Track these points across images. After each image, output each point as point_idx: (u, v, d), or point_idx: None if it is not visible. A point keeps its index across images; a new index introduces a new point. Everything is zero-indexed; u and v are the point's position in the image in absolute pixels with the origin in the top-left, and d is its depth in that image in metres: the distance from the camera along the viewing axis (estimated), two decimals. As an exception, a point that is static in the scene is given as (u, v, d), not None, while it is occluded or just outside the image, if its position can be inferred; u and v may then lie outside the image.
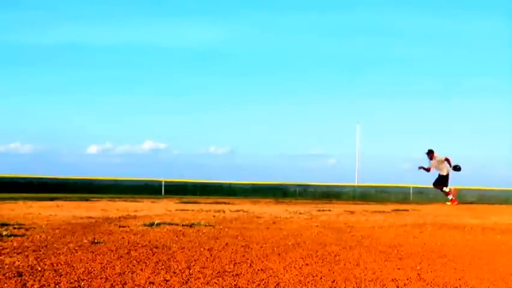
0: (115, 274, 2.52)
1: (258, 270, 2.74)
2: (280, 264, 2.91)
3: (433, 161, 15.05)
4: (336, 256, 3.28)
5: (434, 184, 15.47)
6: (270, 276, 2.60)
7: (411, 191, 24.42)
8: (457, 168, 15.24)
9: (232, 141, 42.19)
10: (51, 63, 37.07)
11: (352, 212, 8.57)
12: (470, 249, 3.85)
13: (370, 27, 36.41)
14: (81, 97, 38.39)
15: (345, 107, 38.10)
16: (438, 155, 15.28)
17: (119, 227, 4.69)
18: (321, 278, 2.58)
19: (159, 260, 2.92)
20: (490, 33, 36.04)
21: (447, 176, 15.12)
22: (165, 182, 23.45)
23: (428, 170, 15.29)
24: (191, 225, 4.93)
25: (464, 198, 23.21)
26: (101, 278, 2.42)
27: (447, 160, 15.11)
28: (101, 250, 3.21)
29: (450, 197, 14.94)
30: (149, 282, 2.38)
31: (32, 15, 34.57)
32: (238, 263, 2.93)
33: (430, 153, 15.26)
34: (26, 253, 3.03)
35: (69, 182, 22.80)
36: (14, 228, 4.29)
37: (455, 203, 14.64)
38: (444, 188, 15.25)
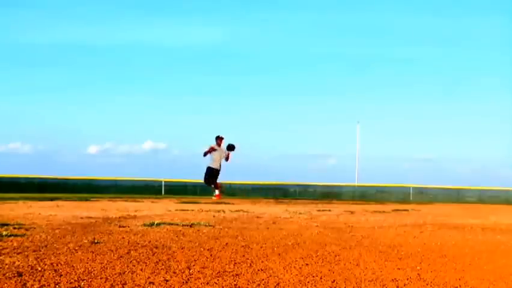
0: (115, 274, 2.52)
1: (258, 270, 2.74)
2: (280, 264, 2.91)
3: (218, 149, 13.73)
4: (336, 256, 3.28)
5: (210, 179, 14.06)
6: (270, 276, 2.60)
7: (411, 191, 24.45)
8: (230, 148, 13.85)
9: (232, 141, 42.14)
10: (51, 63, 37.11)
11: (352, 212, 8.57)
12: (470, 249, 3.85)
13: (370, 27, 36.43)
14: (81, 97, 38.46)
15: (345, 107, 38.16)
16: (224, 146, 13.98)
17: (119, 227, 4.69)
18: (321, 278, 2.58)
19: (159, 260, 2.92)
20: (490, 33, 36.05)
21: (218, 171, 13.92)
22: (165, 182, 23.46)
23: (205, 153, 13.70)
24: (191, 225, 4.93)
25: (464, 198, 23.28)
26: (101, 278, 2.42)
27: (227, 155, 13.94)
28: (101, 250, 3.21)
29: (217, 191, 13.94)
30: (149, 282, 2.37)
31: (32, 15, 34.58)
32: (238, 263, 2.93)
33: (219, 139, 13.83)
34: (26, 253, 3.02)
35: (69, 182, 22.82)
36: (14, 228, 4.28)
37: (220, 198, 13.67)
38: (213, 185, 14.20)
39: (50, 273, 2.48)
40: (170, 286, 2.33)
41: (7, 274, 2.44)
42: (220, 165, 13.82)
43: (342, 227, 5.41)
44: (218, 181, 14.28)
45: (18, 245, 3.35)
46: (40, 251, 3.13)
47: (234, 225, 5.19)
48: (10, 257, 2.89)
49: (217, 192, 14.08)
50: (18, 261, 2.77)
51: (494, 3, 35.70)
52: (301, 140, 40.36)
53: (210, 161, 13.71)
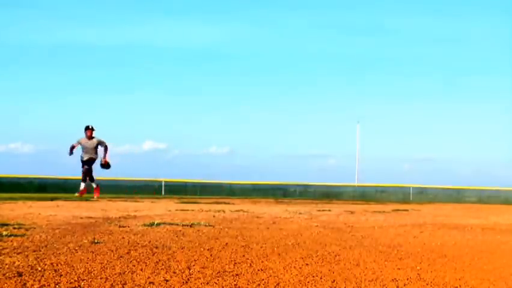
0: (115, 274, 2.52)
1: (258, 270, 2.74)
2: (280, 264, 2.91)
3: (86, 141, 12.46)
4: (336, 256, 3.28)
5: (86, 173, 12.67)
6: (270, 276, 2.60)
7: (411, 191, 24.45)
8: (106, 166, 12.68)
9: (232, 141, 42.27)
10: (51, 63, 37.12)
11: (352, 212, 8.57)
12: (470, 249, 3.85)
13: (370, 27, 36.44)
14: (81, 97, 38.47)
15: (345, 107, 38.20)
16: (96, 136, 12.62)
17: (119, 227, 4.69)
18: (321, 278, 2.58)
19: (159, 260, 2.92)
20: (490, 33, 36.06)
21: (91, 161, 12.64)
22: (165, 182, 23.45)
23: (71, 149, 12.42)
24: (191, 225, 4.93)
25: (464, 198, 23.28)
26: (101, 278, 2.42)
27: (104, 147, 12.60)
28: (101, 250, 3.21)
29: (82, 186, 12.73)
30: (149, 282, 2.37)
31: (32, 15, 34.59)
32: (238, 263, 2.93)
33: (87, 130, 12.49)
34: (26, 253, 3.02)
35: (69, 182, 22.78)
36: (14, 228, 4.28)
37: (84, 194, 12.66)
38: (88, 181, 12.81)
39: (50, 273, 2.48)
40: (170, 286, 2.33)
41: (7, 274, 2.44)
42: (94, 154, 12.61)
43: (342, 227, 5.41)
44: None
45: (18, 245, 3.35)
46: (40, 251, 3.13)
47: (234, 225, 5.19)
48: (10, 257, 2.89)
49: (82, 186, 12.83)
50: (18, 261, 2.77)
51: (494, 3, 35.71)
52: (301, 140, 40.44)
53: (82, 154, 12.62)
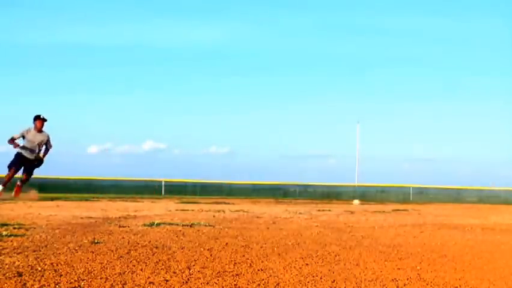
0: (115, 274, 2.52)
1: (258, 270, 2.74)
2: (280, 264, 2.91)
3: (35, 134, 10.25)
4: (336, 256, 3.28)
5: (14, 166, 10.38)
6: (270, 276, 2.59)
7: (411, 191, 24.46)
8: (39, 161, 10.47)
9: (232, 142, 42.31)
10: (51, 63, 37.13)
11: (352, 212, 8.57)
12: (470, 249, 3.85)
13: (370, 27, 36.45)
14: (81, 97, 38.49)
15: (345, 107, 38.22)
16: (45, 131, 10.44)
17: (119, 227, 4.69)
18: (321, 278, 2.58)
19: (159, 260, 2.92)
20: (490, 33, 36.08)
21: (33, 161, 10.42)
22: (165, 182, 23.45)
23: (13, 141, 10.15)
24: (191, 225, 4.93)
25: (464, 198, 23.28)
26: (101, 278, 2.41)
27: (48, 144, 10.48)
28: (101, 250, 3.21)
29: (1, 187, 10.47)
30: (149, 282, 2.37)
31: (33, 15, 34.59)
32: (238, 263, 2.92)
33: (38, 120, 10.24)
34: (26, 253, 3.02)
35: (69, 182, 22.78)
36: (14, 228, 4.28)
37: (19, 192, 10.52)
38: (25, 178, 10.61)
39: (50, 273, 2.48)
40: (170, 286, 2.33)
41: (7, 274, 2.44)
42: (36, 153, 10.45)
43: (342, 227, 5.41)
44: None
45: (18, 245, 3.35)
46: (40, 251, 3.13)
47: (234, 225, 5.19)
48: (10, 257, 2.89)
49: (17, 185, 10.72)
50: (18, 261, 2.76)
51: (494, 4, 35.73)
52: (301, 140, 40.46)
53: (24, 149, 10.39)
